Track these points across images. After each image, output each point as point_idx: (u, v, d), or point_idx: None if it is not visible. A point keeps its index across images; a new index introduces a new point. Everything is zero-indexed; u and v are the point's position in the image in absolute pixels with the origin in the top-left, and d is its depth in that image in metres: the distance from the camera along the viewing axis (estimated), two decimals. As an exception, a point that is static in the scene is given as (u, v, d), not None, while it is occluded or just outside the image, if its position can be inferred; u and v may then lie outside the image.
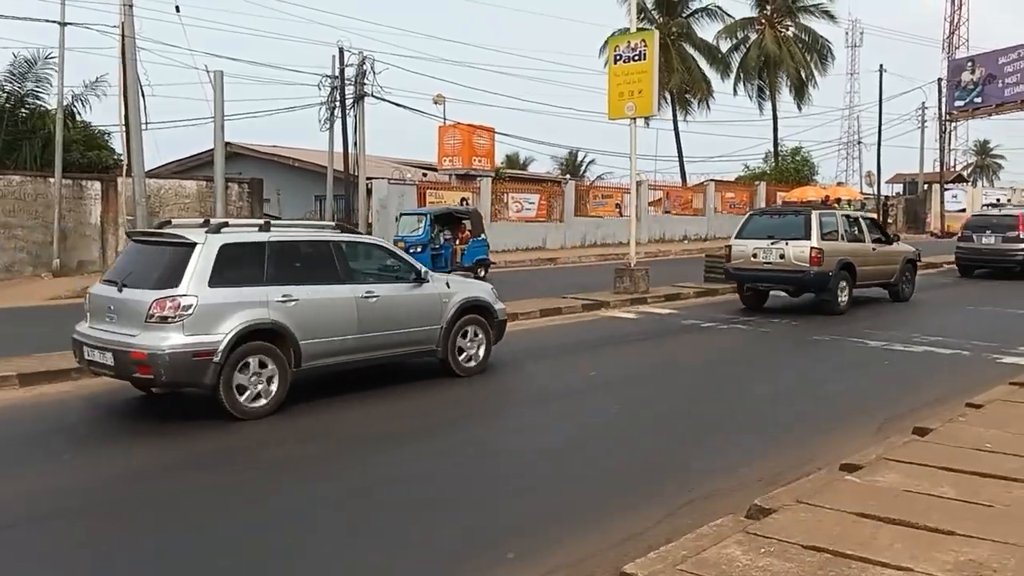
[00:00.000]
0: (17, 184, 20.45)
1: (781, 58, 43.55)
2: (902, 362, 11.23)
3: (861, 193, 44.17)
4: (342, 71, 29.34)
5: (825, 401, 8.97)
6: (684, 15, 43.28)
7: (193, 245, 7.91)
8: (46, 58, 21.93)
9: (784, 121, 53.63)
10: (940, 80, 50.77)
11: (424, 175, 30.81)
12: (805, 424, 7.97)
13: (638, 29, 17.94)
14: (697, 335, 13.56)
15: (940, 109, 50.39)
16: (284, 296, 8.20)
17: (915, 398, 8.83)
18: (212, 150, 39.01)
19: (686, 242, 37.58)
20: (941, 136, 51.55)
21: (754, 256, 15.72)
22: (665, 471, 6.63)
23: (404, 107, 30.08)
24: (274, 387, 8.05)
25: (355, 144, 29.48)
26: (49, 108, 22.37)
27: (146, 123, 24.16)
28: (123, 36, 21.78)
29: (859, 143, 47.90)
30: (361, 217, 28.63)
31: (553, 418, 8.38)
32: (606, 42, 21.20)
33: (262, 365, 7.99)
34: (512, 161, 62.81)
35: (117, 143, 25.80)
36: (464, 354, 9.92)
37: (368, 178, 29.10)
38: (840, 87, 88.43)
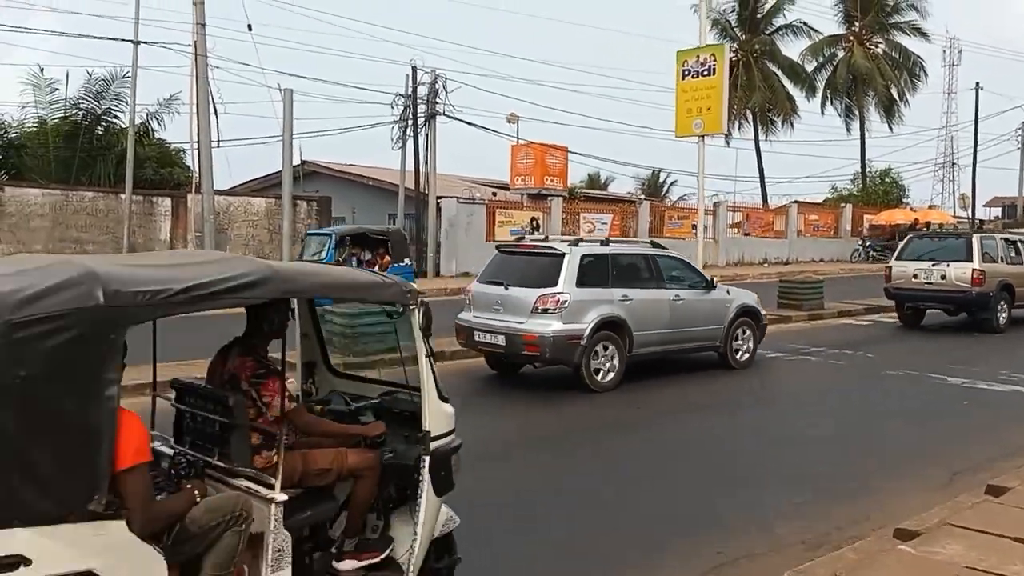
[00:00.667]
0: (89, 200, 20.80)
1: (870, 76, 41.89)
2: (984, 403, 10.23)
3: (954, 216, 42.16)
4: (414, 89, 29.22)
5: (889, 448, 8.09)
6: (767, 32, 42.04)
7: (563, 255, 10.30)
8: (122, 77, 22.34)
9: (875, 141, 51.66)
10: (1042, 98, 48.20)
11: (494, 194, 30.44)
12: (862, 474, 7.13)
13: (708, 44, 17.13)
14: (759, 367, 12.71)
15: (1042, 129, 47.85)
16: (623, 296, 10.48)
17: (993, 448, 7.89)
18: (296, 167, 39.79)
19: (766, 265, 36.32)
20: (1043, 157, 48.90)
21: (915, 277, 16.48)
22: (698, 525, 5.93)
23: (476, 126, 29.80)
24: (616, 367, 10.32)
25: (426, 163, 29.32)
26: (124, 126, 22.74)
27: (218, 140, 24.54)
28: (195, 55, 22.07)
29: (953, 164, 45.54)
30: (431, 236, 28.42)
31: (589, 456, 7.75)
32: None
33: (606, 349, 10.25)
34: (593, 180, 62.06)
35: (192, 160, 26.10)
36: (739, 351, 11.94)
37: (439, 197, 28.89)
38: (934, 106, 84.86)
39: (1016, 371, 12.04)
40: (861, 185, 44.76)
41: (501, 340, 10.22)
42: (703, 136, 16.85)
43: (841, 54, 43.65)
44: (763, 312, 12.65)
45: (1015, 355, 14.00)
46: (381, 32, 61.61)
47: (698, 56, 16.74)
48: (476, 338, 10.62)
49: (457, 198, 28.36)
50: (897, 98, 43.77)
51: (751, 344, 12.12)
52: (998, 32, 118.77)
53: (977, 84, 42.49)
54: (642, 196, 35.80)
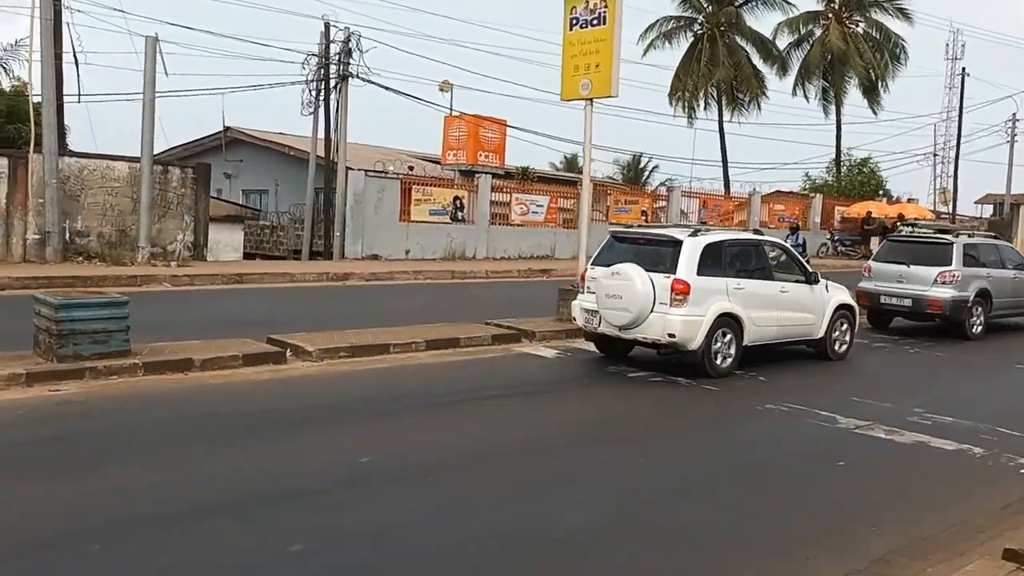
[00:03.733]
0: (-99, 158, 17.81)
1: (848, 56, 38.70)
2: (870, 463, 7.34)
3: (933, 212, 39.13)
4: (326, 48, 26.18)
5: (664, 549, 5.16)
6: (736, 4, 38.71)
7: (951, 244, 14.79)
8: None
9: (859, 127, 48.20)
10: (1034, 89, 44.95)
11: (410, 168, 27.38)
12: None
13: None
14: (604, 391, 9.82)
15: (1032, 120, 44.66)
16: (988, 274, 15.09)
17: (843, 559, 4.97)
18: (218, 134, 36.72)
19: (722, 257, 33.35)
20: (1032, 151, 45.65)
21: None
22: None
23: (393, 90, 26.61)
24: (983, 323, 14.98)
25: (336, 129, 26.31)
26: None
27: (79, 95, 21.66)
28: (36, -9, 19.05)
29: (936, 155, 42.22)
30: (338, 213, 25.45)
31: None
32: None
33: (976, 311, 14.82)
34: (571, 163, 59.52)
35: (69, 114, 23.32)
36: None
37: (352, 169, 25.89)
38: (926, 92, 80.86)
39: (934, 410, 9.14)
40: (835, 174, 41.66)
41: (907, 302, 14.68)
42: (591, 100, 13.85)
43: (818, 32, 40.41)
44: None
45: (944, 387, 11.14)
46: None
47: (587, 2, 13.71)
48: (882, 301, 15.00)
49: (366, 171, 25.32)
50: (876, 82, 40.54)
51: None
52: (994, 19, 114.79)
53: (963, 71, 39.42)
54: (604, 178, 32.64)
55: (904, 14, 40.30)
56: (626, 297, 10.08)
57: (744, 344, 10.52)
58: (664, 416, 8.77)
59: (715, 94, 38.51)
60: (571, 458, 7.06)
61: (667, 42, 38.10)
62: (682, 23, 38.05)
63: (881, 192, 39.92)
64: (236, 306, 15.59)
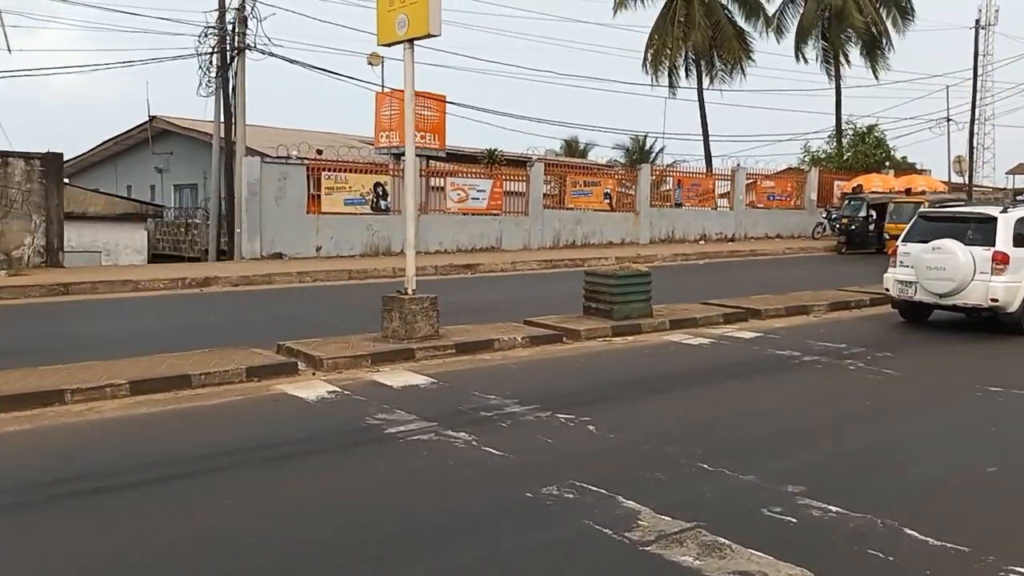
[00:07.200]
0: None
1: (846, 12, 34.58)
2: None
3: (946, 184, 34.98)
4: (221, 17, 22.87)
5: None
6: (714, -46, 34.64)
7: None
8: None
9: (871, 92, 43.57)
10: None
11: (319, 152, 23.91)
12: None
13: None
14: (313, 468, 6.34)
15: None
16: None
17: None
18: (144, 124, 33.49)
19: (702, 243, 29.62)
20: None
21: None
22: None
23: (299, 63, 23.29)
24: None
25: (232, 111, 23.02)
26: None
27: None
28: None
29: (948, 120, 37.71)
30: (237, 204, 22.16)
31: None
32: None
33: None
34: (572, 147, 56.07)
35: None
36: None
37: (249, 154, 22.60)
38: (960, 54, 74.83)
39: (823, 483, 5.58)
40: (836, 146, 37.54)
41: None
42: (411, 41, 10.36)
43: (816, -15, 36.24)
44: None
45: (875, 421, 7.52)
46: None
47: (400, -91, 10.20)
48: None
49: (262, 157, 21.94)
50: (882, 39, 36.31)
51: None
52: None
53: (977, 22, 34.88)
54: (533, 155, 28.85)
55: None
56: (949, 268, 11.66)
57: None
58: (340, 534, 5.25)
59: (693, 59, 34.58)
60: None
61: (639, 1, 34.25)
62: (655, -21, 34.24)
63: (888, 164, 35.80)
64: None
